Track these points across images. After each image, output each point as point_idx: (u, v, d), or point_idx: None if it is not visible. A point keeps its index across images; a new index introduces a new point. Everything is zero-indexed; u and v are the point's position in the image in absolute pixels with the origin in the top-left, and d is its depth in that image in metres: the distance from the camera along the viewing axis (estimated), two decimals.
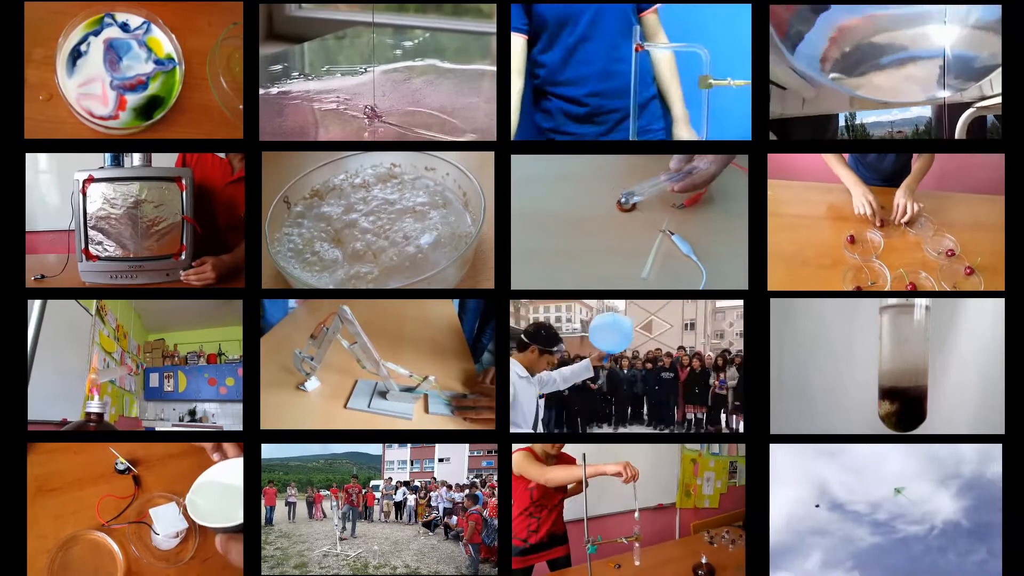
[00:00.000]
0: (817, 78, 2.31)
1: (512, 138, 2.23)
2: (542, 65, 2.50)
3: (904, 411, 2.08)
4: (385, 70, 2.59)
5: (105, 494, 2.09)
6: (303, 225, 2.24)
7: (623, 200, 2.32)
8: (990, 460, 1.89)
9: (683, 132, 2.56)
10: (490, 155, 2.17)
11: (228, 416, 2.35)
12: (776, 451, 2.00)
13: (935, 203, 2.43)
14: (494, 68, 2.21)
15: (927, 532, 1.70)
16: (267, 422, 2.10)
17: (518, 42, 2.31)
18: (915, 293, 2.18)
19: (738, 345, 2.29)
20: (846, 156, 2.48)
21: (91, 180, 2.20)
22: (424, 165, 2.33)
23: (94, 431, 2.10)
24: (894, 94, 2.33)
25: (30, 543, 2.03)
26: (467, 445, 2.18)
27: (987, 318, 2.15)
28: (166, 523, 2.05)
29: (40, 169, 2.33)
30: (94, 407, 2.09)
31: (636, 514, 2.17)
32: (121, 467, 2.10)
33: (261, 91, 2.14)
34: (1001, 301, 2.15)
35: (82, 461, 2.12)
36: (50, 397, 2.10)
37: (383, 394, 2.21)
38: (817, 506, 1.93)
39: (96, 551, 2.05)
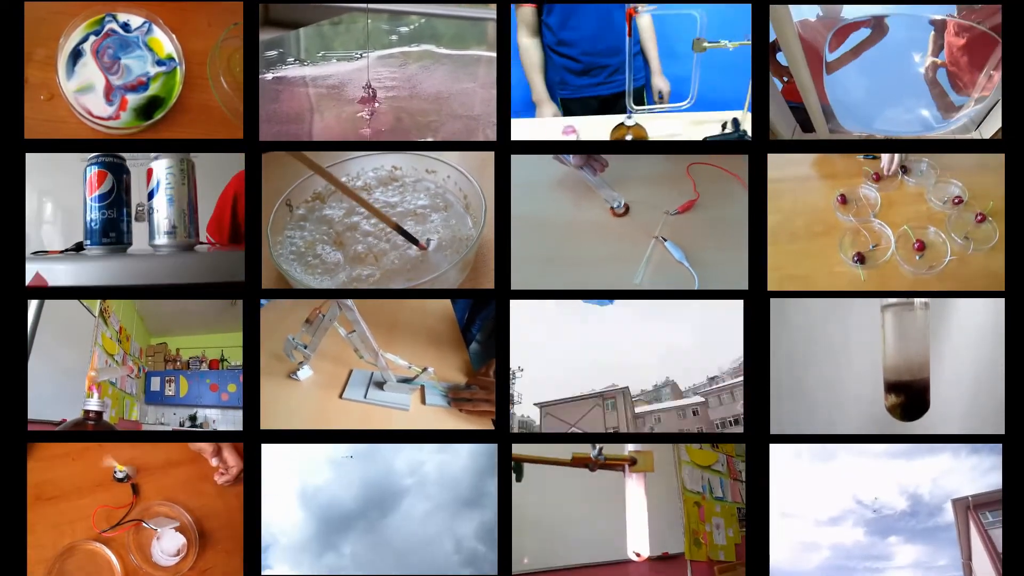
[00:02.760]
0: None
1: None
2: (549, 27, 2.53)
3: (908, 403, 2.11)
4: (380, 56, 2.61)
5: (101, 504, 2.09)
6: (305, 228, 2.27)
7: (616, 206, 2.37)
8: (923, 484, 2.19)
9: (658, 81, 2.67)
10: (490, 155, 2.18)
11: (229, 423, 2.36)
12: (819, 466, 2.18)
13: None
14: (490, 54, 2.23)
15: (893, 512, 2.17)
16: (263, 414, 2.12)
17: (527, 9, 2.34)
18: (916, 293, 2.12)
19: None
20: None
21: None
22: (425, 168, 2.37)
23: (93, 430, 2.10)
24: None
25: (29, 552, 2.03)
26: None
27: (979, 308, 2.16)
28: (166, 544, 2.06)
29: (44, 219, 2.32)
30: (92, 405, 2.09)
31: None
32: (120, 475, 2.11)
33: None
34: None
35: (80, 468, 2.11)
36: (50, 397, 2.11)
37: (380, 385, 2.23)
38: (876, 498, 2.18)
39: (94, 562, 2.05)
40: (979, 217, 2.14)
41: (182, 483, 2.13)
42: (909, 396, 2.11)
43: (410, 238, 2.18)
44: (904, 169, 2.26)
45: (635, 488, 2.07)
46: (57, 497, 2.09)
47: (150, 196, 2.21)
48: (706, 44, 2.24)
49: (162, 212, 2.19)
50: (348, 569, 2.13)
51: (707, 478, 2.26)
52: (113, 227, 2.17)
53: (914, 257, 2.13)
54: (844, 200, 2.22)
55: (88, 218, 2.17)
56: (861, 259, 2.14)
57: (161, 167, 2.20)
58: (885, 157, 2.27)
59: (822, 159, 2.28)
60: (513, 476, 2.08)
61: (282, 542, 2.14)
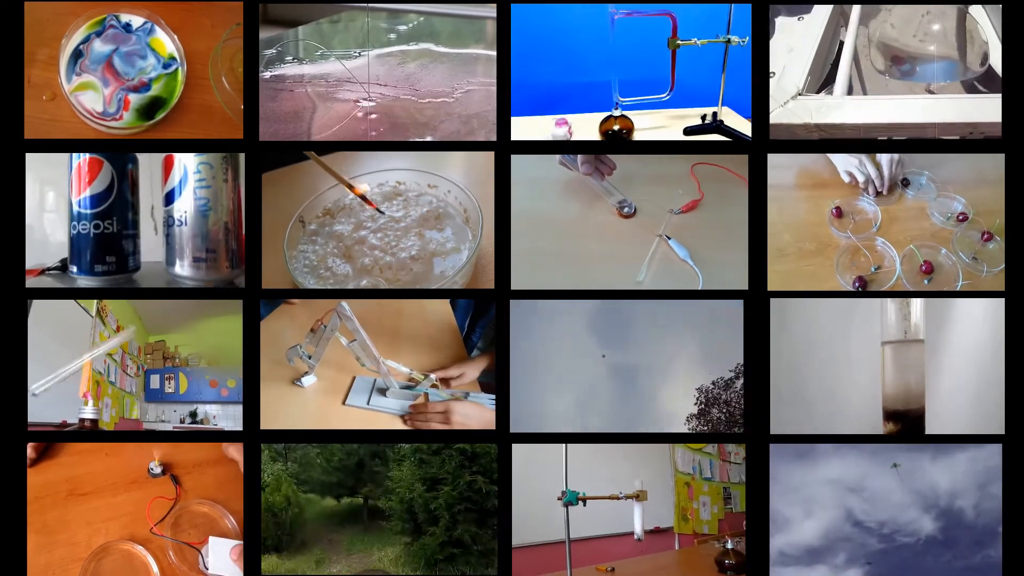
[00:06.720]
0: None
1: None
2: None
3: (905, 431, 2.12)
4: (379, 54, 2.66)
5: (142, 501, 2.08)
6: (316, 242, 2.36)
7: (626, 209, 2.43)
8: (957, 496, 2.12)
9: None
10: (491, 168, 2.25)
11: (229, 418, 2.38)
12: (816, 483, 2.15)
13: (931, 159, 2.13)
14: (489, 52, 2.29)
15: (915, 542, 2.09)
16: (265, 419, 2.19)
17: None
18: (914, 293, 2.00)
19: None
20: None
21: None
22: (427, 183, 2.48)
23: (90, 430, 2.14)
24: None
25: (60, 550, 2.03)
26: None
27: (979, 312, 2.09)
28: (217, 558, 2.03)
29: (46, 208, 2.21)
30: (87, 413, 2.13)
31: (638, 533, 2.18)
32: (156, 471, 2.09)
33: None
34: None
35: (115, 464, 2.11)
36: (49, 399, 2.14)
37: (383, 391, 2.30)
38: (895, 465, 2.09)
39: (130, 564, 2.04)
40: (985, 236, 1.98)
41: (221, 483, 2.12)
42: (905, 425, 2.12)
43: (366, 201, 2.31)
44: (904, 182, 2.11)
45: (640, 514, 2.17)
46: (91, 493, 2.08)
47: (169, 199, 1.99)
48: (679, 42, 2.36)
49: (190, 226, 1.98)
50: None
51: (698, 460, 2.35)
52: (112, 246, 1.96)
53: (922, 281, 2.00)
54: (839, 213, 2.07)
55: (73, 231, 1.90)
56: (863, 284, 1.99)
57: (188, 156, 1.83)
58: (878, 167, 2.14)
59: (813, 168, 2.15)
60: None
61: None
